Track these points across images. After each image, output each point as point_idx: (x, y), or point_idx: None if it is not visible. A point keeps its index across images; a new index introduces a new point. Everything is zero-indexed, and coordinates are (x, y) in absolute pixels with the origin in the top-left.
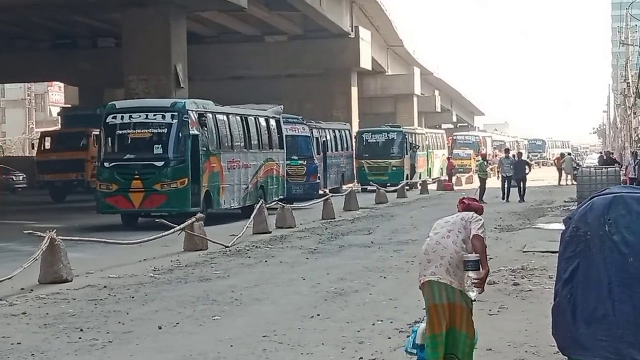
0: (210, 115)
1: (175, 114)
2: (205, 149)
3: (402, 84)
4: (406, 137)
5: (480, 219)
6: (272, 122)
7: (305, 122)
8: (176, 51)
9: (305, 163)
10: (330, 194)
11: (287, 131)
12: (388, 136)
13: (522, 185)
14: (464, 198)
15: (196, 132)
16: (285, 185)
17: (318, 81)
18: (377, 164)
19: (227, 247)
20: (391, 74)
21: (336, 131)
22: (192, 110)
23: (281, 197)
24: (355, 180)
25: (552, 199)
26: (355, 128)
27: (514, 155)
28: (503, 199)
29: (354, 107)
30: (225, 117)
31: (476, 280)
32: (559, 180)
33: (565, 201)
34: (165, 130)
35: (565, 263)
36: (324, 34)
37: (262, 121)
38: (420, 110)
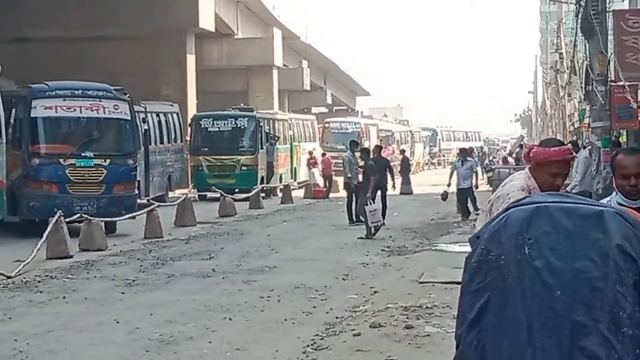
0: None
1: None
2: None
3: (258, 52)
4: (261, 124)
5: None
6: None
7: (125, 96)
8: None
9: (106, 164)
10: (156, 204)
11: (81, 111)
12: (236, 123)
13: (380, 195)
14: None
15: None
16: (4, 200)
17: (141, 46)
18: (220, 162)
19: (9, 277)
20: (242, 37)
21: (161, 115)
22: None
23: None
24: (190, 185)
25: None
26: (191, 111)
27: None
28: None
29: (191, 82)
30: None
31: None
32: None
33: (476, 213)
34: None
35: (471, 298)
36: None
37: None
38: (283, 88)
